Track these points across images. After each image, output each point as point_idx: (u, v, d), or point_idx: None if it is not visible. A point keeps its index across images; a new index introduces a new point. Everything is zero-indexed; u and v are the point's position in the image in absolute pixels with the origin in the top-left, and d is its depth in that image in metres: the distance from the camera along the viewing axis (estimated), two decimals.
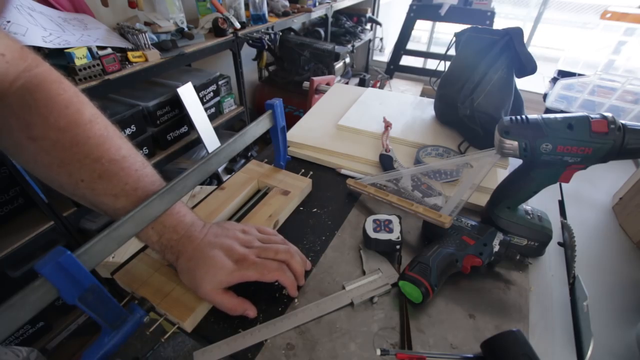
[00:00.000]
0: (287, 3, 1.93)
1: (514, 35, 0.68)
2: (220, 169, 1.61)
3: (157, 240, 0.42)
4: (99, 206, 0.41)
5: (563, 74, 1.25)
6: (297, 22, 1.98)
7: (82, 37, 1.04)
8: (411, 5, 2.34)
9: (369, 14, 2.94)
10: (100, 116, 0.41)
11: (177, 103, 1.35)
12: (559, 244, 0.57)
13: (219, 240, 0.44)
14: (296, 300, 0.46)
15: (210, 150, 1.52)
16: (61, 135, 0.37)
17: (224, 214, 0.58)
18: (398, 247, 0.52)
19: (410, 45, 2.56)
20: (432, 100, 0.89)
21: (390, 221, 0.54)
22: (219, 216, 0.57)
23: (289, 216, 0.60)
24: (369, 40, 3.19)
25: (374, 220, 0.54)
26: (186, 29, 1.37)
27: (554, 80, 1.21)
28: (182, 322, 0.42)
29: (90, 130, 0.39)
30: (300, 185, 0.63)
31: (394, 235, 0.52)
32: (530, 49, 0.69)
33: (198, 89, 1.43)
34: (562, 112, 0.86)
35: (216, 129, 1.56)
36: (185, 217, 0.44)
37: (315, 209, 0.62)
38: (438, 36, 3.22)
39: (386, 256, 0.52)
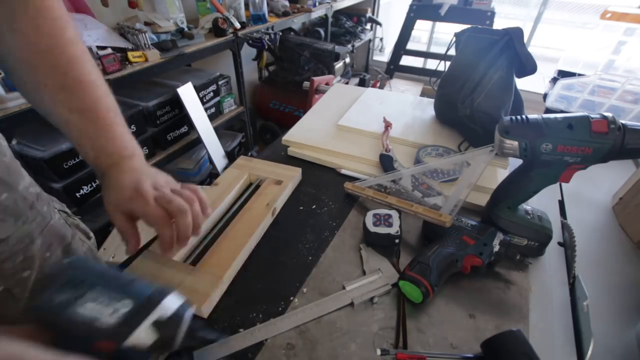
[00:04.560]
0: (287, 3, 1.93)
1: (514, 35, 0.68)
2: (220, 169, 1.62)
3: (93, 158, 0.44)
4: (51, 117, 0.43)
5: (563, 74, 1.25)
6: (297, 22, 1.98)
7: (82, 37, 1.04)
8: (411, 5, 2.34)
9: (369, 14, 2.94)
10: (81, 40, 0.45)
11: (177, 103, 1.35)
12: (559, 244, 0.57)
13: (137, 174, 0.45)
14: (296, 299, 0.46)
15: (210, 150, 1.53)
16: (41, 39, 0.40)
17: (221, 207, 0.60)
18: (397, 240, 0.52)
19: (410, 45, 2.55)
20: (432, 100, 0.89)
21: (390, 215, 0.54)
22: (217, 210, 0.59)
23: (289, 214, 0.61)
24: (369, 40, 3.19)
25: (374, 215, 0.55)
26: (186, 29, 1.37)
27: (554, 80, 1.21)
28: (199, 307, 0.43)
29: (68, 48, 0.43)
30: (291, 175, 0.66)
31: (393, 230, 0.52)
32: (530, 49, 0.69)
33: (198, 89, 1.43)
34: (562, 112, 0.86)
35: (216, 129, 1.57)
36: (124, 151, 0.46)
37: (315, 209, 0.62)
38: (438, 36, 3.21)
39: (386, 254, 0.53)
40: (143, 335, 0.27)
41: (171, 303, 0.30)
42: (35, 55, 0.41)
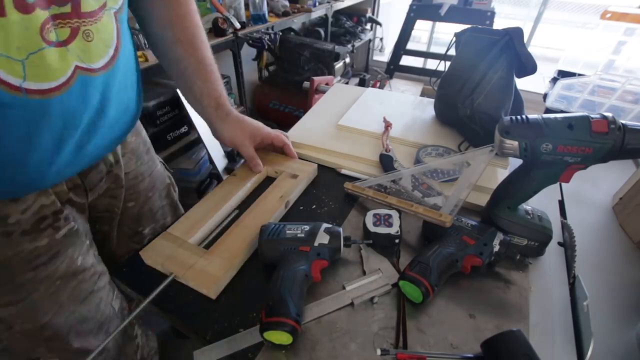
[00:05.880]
0: (287, 3, 1.93)
1: (514, 35, 0.68)
2: (220, 169, 1.62)
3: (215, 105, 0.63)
4: (180, 64, 0.61)
5: (563, 74, 1.25)
6: (297, 22, 1.98)
7: None
8: (411, 5, 2.34)
9: (369, 14, 2.93)
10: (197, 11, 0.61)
11: (177, 103, 1.35)
12: (559, 244, 0.57)
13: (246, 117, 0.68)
14: None
15: (210, 150, 1.52)
16: (180, 7, 0.57)
17: (237, 197, 0.62)
18: (397, 241, 0.52)
19: (410, 45, 2.55)
20: (432, 100, 0.89)
21: (390, 215, 0.54)
22: (232, 199, 0.61)
23: (290, 215, 0.61)
24: (369, 40, 3.19)
25: (374, 215, 0.55)
26: None
27: (554, 80, 1.21)
28: (208, 289, 0.46)
29: (195, 15, 0.60)
30: (307, 170, 0.67)
31: (393, 230, 0.52)
32: (530, 49, 0.69)
33: None
34: (562, 112, 0.86)
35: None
36: (222, 99, 0.64)
37: (315, 209, 0.62)
38: (438, 36, 3.21)
39: (386, 254, 0.53)
40: (322, 237, 0.48)
41: (326, 224, 0.50)
42: (176, 18, 0.58)
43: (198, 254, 0.49)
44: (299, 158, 0.75)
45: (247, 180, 0.64)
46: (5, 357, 0.49)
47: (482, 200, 0.58)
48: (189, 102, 0.65)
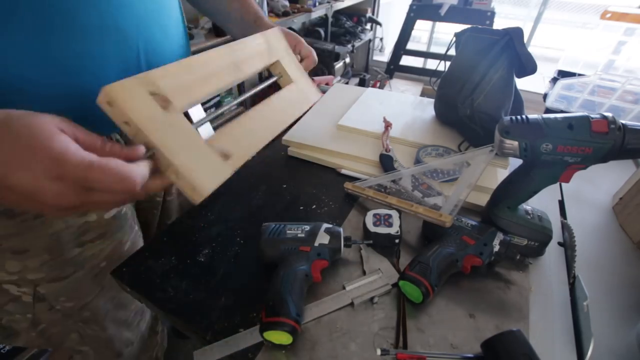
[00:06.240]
0: (287, 3, 1.93)
1: (514, 35, 0.68)
2: None
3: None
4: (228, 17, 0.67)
5: (563, 74, 1.25)
6: (297, 22, 1.98)
7: None
8: (411, 5, 2.34)
9: (369, 14, 2.94)
10: None
11: None
12: (559, 244, 0.57)
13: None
14: None
15: None
16: None
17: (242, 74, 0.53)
18: (397, 241, 0.53)
19: (410, 45, 2.55)
20: (432, 100, 0.89)
21: (390, 215, 0.54)
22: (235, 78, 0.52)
23: (289, 214, 0.61)
24: (369, 40, 3.19)
25: (374, 215, 0.55)
26: None
27: (554, 80, 1.21)
28: (193, 192, 0.38)
29: None
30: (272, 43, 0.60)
31: (393, 230, 0.52)
32: (530, 49, 0.69)
33: None
34: (562, 112, 0.86)
35: (216, 129, 1.57)
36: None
37: (315, 209, 0.62)
38: (438, 36, 3.21)
39: (386, 254, 0.53)
40: (322, 237, 0.48)
41: (327, 224, 0.50)
42: None
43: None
44: (299, 158, 0.75)
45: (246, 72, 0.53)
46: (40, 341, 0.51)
47: (482, 200, 0.58)
48: (224, 26, 0.70)
